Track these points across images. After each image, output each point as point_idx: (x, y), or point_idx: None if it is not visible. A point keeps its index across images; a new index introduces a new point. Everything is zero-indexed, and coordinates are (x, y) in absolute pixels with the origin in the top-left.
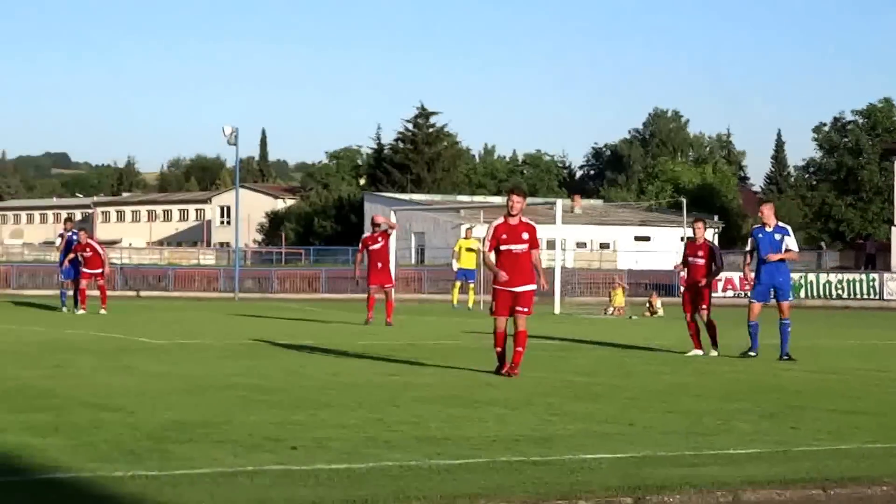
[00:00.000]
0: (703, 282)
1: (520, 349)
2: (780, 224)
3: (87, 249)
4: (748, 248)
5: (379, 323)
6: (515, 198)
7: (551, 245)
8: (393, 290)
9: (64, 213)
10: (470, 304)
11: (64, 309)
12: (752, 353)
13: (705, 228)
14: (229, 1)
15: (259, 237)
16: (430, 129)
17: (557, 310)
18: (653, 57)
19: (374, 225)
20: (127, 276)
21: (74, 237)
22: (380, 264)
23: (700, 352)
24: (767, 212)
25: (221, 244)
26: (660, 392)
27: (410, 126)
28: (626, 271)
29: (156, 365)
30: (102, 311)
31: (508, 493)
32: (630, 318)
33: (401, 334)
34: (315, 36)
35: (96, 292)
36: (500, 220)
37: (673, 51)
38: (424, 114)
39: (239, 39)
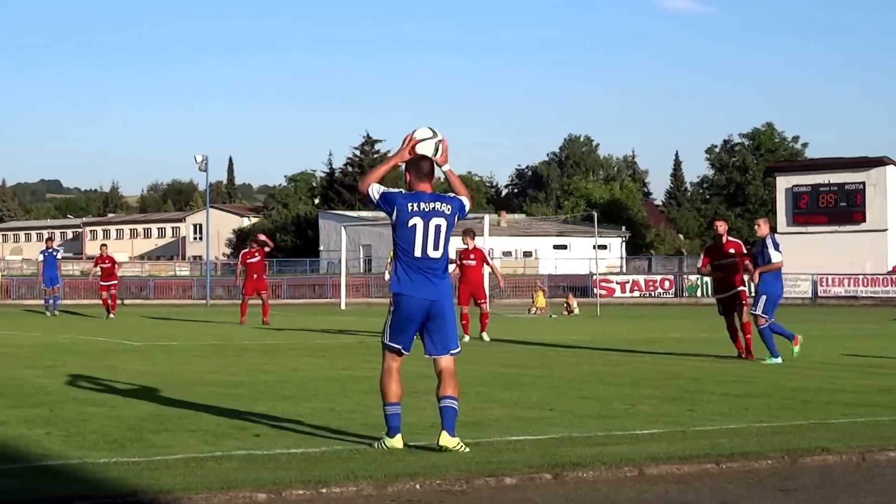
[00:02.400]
0: (741, 283)
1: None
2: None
3: (107, 261)
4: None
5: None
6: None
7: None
8: (267, 295)
9: (57, 233)
10: None
11: (47, 313)
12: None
13: (728, 226)
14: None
15: (227, 251)
16: (375, 155)
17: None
18: (567, 87)
19: (254, 241)
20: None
21: (54, 254)
22: (255, 275)
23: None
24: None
25: (195, 257)
26: (576, 381)
27: (358, 152)
28: (547, 276)
29: (137, 364)
30: (111, 317)
31: (444, 472)
32: (550, 316)
33: (351, 333)
34: (274, 73)
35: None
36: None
37: (585, 82)
38: (370, 141)
39: (206, 77)
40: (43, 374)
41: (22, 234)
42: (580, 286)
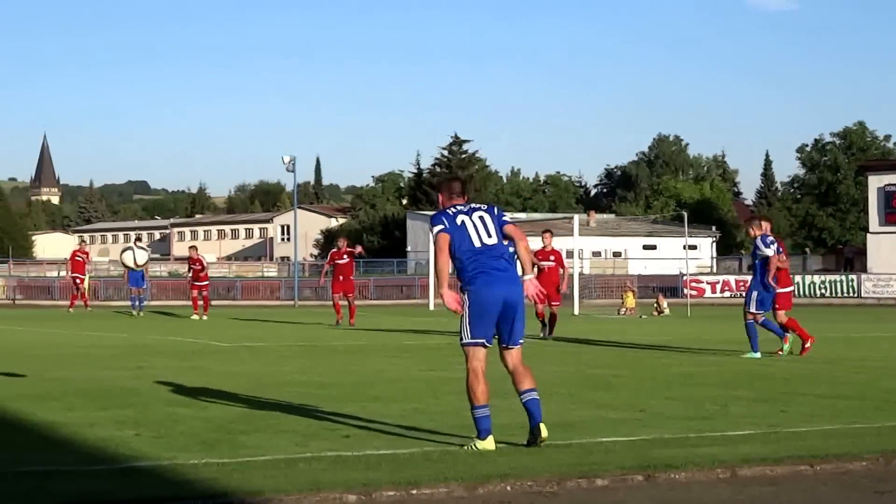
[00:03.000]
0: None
1: None
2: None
3: (197, 264)
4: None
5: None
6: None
7: (570, 254)
8: (353, 297)
9: (145, 234)
10: None
11: (133, 312)
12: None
13: (772, 224)
14: (287, 46)
15: (315, 252)
16: (463, 155)
17: (576, 311)
18: (657, 87)
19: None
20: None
21: None
22: (342, 277)
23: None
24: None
25: (282, 258)
26: (667, 382)
27: (446, 152)
28: (636, 276)
29: (226, 365)
30: (204, 317)
31: (534, 473)
32: (640, 317)
33: (439, 334)
34: (364, 73)
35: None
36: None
37: (674, 81)
38: (458, 141)
39: (294, 77)
40: (132, 375)
41: (109, 235)
42: (670, 286)
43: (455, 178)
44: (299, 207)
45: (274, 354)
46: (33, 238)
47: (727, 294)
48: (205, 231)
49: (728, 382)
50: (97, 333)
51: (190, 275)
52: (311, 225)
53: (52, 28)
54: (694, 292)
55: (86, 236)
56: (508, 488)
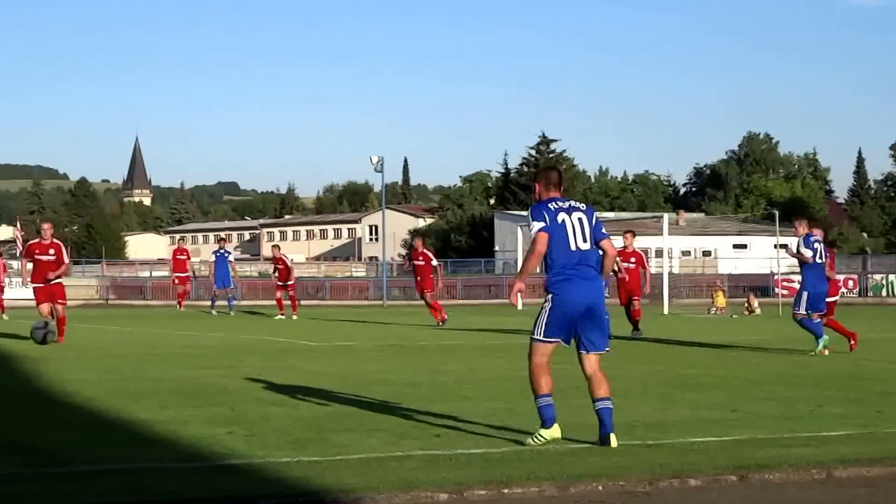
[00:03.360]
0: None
1: None
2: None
3: (280, 263)
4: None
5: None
6: None
7: (659, 254)
8: (434, 295)
9: (234, 235)
10: None
11: (212, 312)
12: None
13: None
14: (376, 48)
15: (403, 252)
16: (551, 155)
17: (666, 310)
18: (746, 85)
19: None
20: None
21: (226, 255)
22: (419, 277)
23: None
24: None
25: (371, 258)
26: (759, 381)
27: (533, 152)
28: (726, 275)
29: (316, 364)
30: (294, 317)
31: (626, 473)
32: (731, 316)
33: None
34: (450, 75)
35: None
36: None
37: (764, 79)
38: (546, 141)
39: (382, 78)
40: (223, 374)
41: (200, 235)
42: (761, 286)
43: (552, 167)
44: (387, 208)
45: (363, 354)
46: (126, 239)
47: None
48: (294, 231)
49: (821, 382)
50: (188, 333)
51: (276, 275)
52: (398, 225)
53: (146, 29)
54: (785, 291)
55: (177, 237)
56: (600, 488)
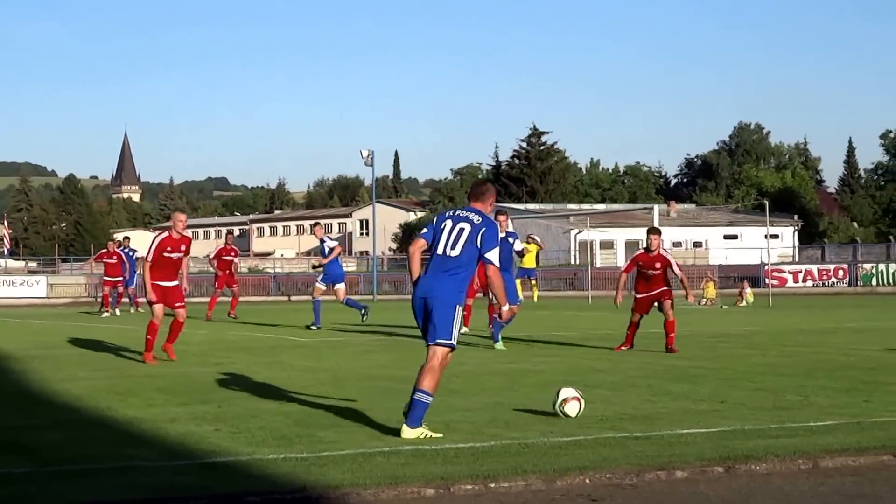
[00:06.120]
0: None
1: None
2: None
3: (113, 257)
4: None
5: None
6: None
7: None
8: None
9: (224, 230)
10: (535, 298)
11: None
12: None
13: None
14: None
15: (394, 246)
16: (542, 147)
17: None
18: (738, 75)
19: None
20: (280, 283)
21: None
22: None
23: None
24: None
25: (361, 253)
26: (748, 372)
27: (524, 144)
28: (717, 266)
29: (304, 361)
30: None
31: (614, 465)
32: (721, 307)
33: (518, 328)
34: (441, 69)
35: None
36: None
37: (754, 68)
38: (537, 133)
39: (371, 71)
40: (211, 372)
41: (190, 231)
42: (751, 276)
43: (481, 181)
44: (378, 202)
45: (353, 349)
46: (115, 235)
47: (809, 283)
48: (284, 227)
49: (810, 373)
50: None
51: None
52: (389, 219)
53: (131, 26)
54: (776, 282)
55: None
56: (587, 481)
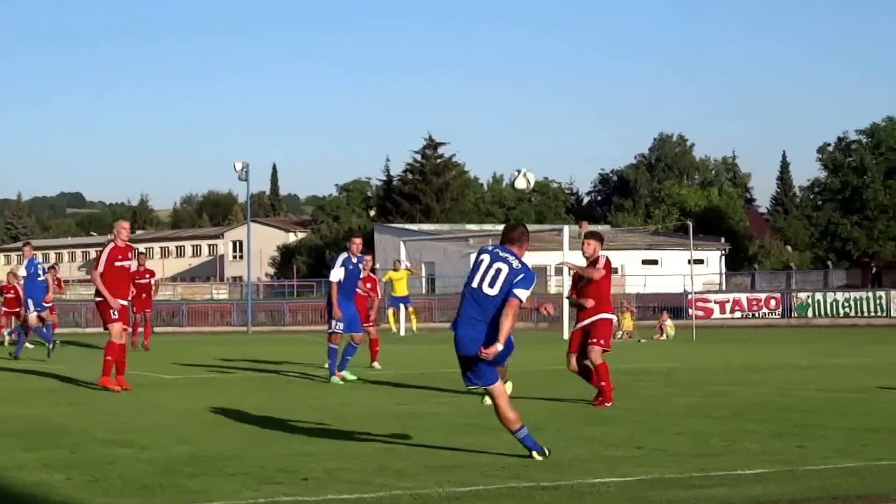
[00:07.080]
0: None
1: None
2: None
3: (11, 291)
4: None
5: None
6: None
7: (559, 271)
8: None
9: (79, 253)
10: (414, 328)
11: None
12: None
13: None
14: (234, 38)
15: (271, 270)
16: (439, 160)
17: (566, 335)
18: (657, 82)
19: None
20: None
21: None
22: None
23: None
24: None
25: (234, 278)
26: (669, 414)
27: (419, 157)
28: (635, 295)
29: (170, 400)
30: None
31: None
32: (639, 341)
33: (414, 363)
34: (322, 71)
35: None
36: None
37: (677, 75)
38: (432, 144)
39: (247, 75)
40: (63, 413)
41: (40, 254)
42: (673, 306)
43: (514, 224)
44: (253, 221)
45: (225, 387)
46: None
47: (738, 314)
48: (146, 248)
49: (738, 415)
50: (21, 365)
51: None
52: (266, 240)
53: None
54: (700, 313)
55: (12, 255)
56: None
